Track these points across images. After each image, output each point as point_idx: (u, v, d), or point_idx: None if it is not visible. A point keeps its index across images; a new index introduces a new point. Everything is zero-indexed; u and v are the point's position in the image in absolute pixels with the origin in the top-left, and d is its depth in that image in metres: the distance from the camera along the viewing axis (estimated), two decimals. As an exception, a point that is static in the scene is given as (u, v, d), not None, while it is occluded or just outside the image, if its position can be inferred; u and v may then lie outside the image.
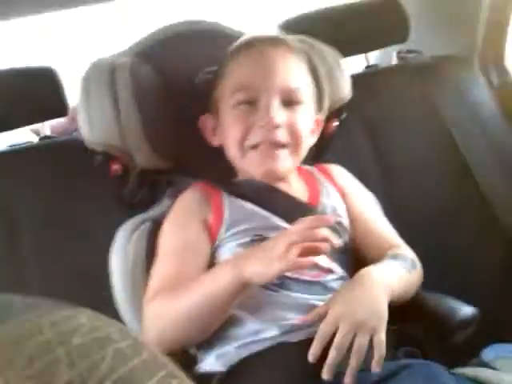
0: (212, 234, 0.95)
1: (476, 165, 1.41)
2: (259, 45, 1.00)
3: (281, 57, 0.99)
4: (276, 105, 0.95)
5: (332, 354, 0.77)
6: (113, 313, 0.96)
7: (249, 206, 0.98)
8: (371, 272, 0.89)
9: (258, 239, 0.92)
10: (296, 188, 1.03)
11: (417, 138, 1.41)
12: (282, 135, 0.95)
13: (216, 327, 0.87)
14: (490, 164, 1.41)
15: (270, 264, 0.77)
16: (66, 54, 2.38)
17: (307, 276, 0.91)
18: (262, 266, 0.78)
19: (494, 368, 1.05)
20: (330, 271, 0.94)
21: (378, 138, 1.39)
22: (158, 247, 0.96)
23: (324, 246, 0.77)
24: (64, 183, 1.20)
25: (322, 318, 0.81)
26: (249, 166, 0.99)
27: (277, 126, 0.94)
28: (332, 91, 1.11)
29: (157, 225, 1.01)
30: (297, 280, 0.90)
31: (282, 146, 0.96)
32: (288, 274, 0.88)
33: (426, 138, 1.42)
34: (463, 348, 0.95)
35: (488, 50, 1.53)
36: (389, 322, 0.82)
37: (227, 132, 0.99)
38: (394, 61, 1.57)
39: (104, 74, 1.00)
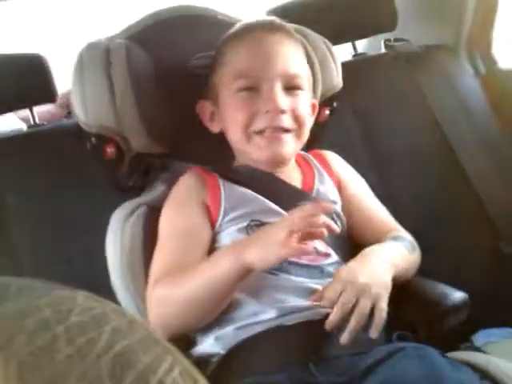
0: (211, 218, 0.96)
1: (463, 152, 1.42)
2: (258, 31, 1.00)
3: (280, 43, 0.99)
4: (279, 90, 0.96)
5: (335, 310, 0.80)
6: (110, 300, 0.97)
7: (245, 190, 0.98)
8: (375, 248, 0.92)
9: (255, 224, 0.93)
10: (292, 174, 1.04)
11: (405, 125, 1.42)
12: (286, 120, 0.96)
13: (218, 312, 0.88)
14: (477, 151, 1.43)
15: (272, 250, 0.78)
16: (54, 40, 2.36)
17: (305, 260, 0.93)
18: (264, 252, 0.79)
19: (484, 352, 1.08)
20: (327, 255, 0.96)
21: (367, 126, 1.40)
22: (158, 232, 0.96)
23: (323, 231, 0.79)
24: (53, 170, 1.20)
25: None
26: (254, 151, 0.99)
27: (282, 112, 0.95)
28: (324, 79, 1.11)
29: (152, 209, 1.01)
30: (296, 264, 0.92)
31: (287, 130, 0.97)
32: None
33: (414, 126, 1.43)
34: (454, 333, 0.97)
35: (475, 39, 1.54)
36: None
37: (230, 118, 0.99)
38: (382, 49, 1.58)
39: (99, 55, 0.99)
